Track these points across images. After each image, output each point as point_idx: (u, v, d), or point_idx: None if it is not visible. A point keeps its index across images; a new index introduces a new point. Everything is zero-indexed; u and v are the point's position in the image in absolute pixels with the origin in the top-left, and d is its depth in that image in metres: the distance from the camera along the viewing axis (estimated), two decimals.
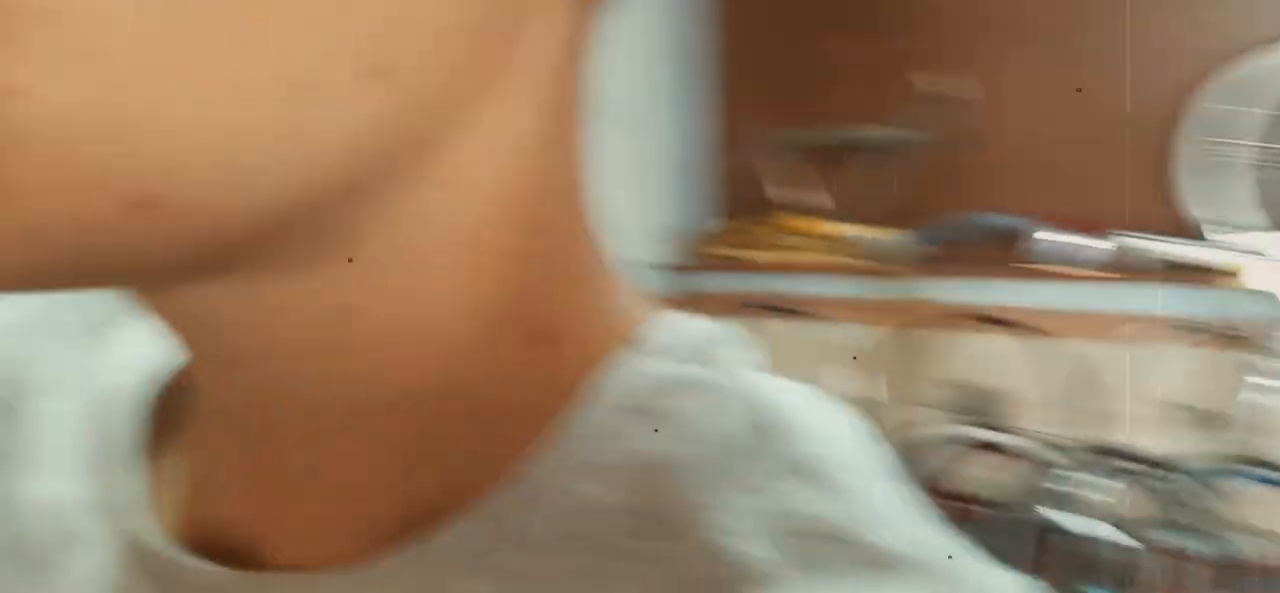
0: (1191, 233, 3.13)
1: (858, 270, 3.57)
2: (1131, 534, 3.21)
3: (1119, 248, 3.10)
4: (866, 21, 3.61)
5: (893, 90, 3.53)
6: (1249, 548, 3.14)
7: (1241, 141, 3.03)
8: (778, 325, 3.83)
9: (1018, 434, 3.43)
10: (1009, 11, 3.40)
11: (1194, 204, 3.13)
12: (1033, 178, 3.44)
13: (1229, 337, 3.14)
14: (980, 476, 3.51)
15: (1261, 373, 3.01)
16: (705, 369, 0.37)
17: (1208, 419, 3.23)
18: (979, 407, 3.55)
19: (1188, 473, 3.13)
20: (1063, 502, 2.00)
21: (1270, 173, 3.03)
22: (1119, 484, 3.28)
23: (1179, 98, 3.15)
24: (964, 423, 3.54)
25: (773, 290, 3.80)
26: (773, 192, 3.79)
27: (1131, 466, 3.17)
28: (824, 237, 3.60)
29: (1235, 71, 3.05)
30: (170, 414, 0.43)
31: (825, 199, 3.71)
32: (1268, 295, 2.95)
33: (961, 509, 3.49)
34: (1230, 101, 3.06)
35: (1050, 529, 3.21)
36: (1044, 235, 3.27)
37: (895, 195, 3.58)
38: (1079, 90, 3.32)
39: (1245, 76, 3.03)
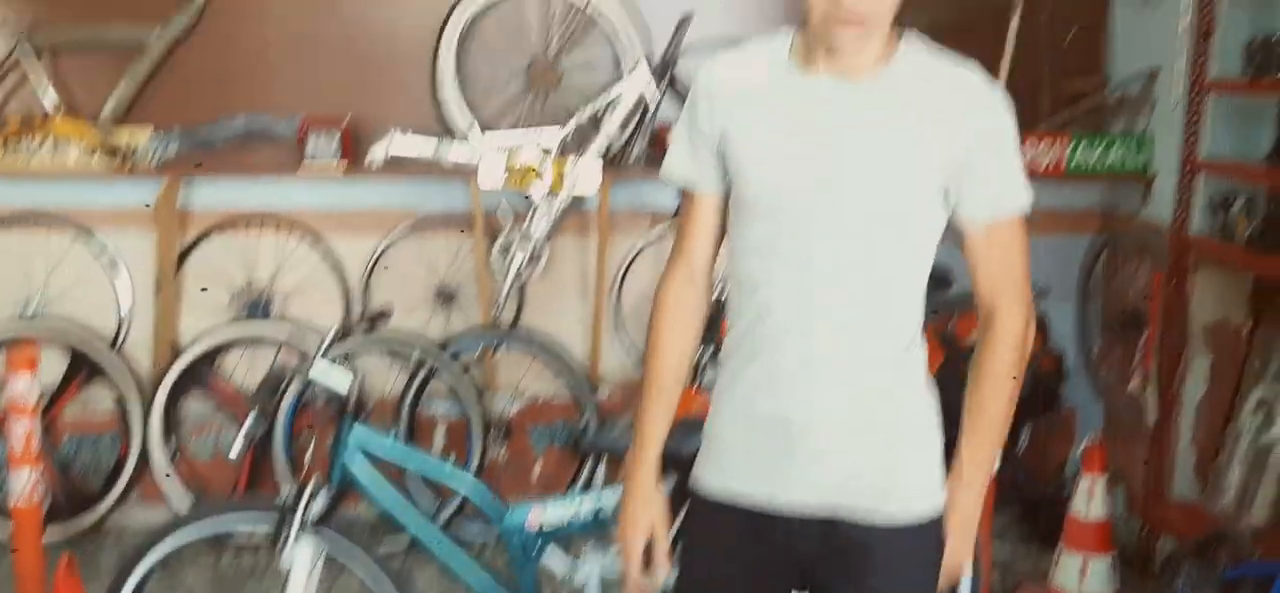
0: (452, 135, 3.64)
1: (128, 174, 3.53)
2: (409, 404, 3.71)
3: (390, 148, 3.50)
4: None
5: None
6: (505, 405, 3.83)
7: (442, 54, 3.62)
8: (51, 239, 3.66)
9: (290, 325, 3.71)
10: None
11: (453, 111, 3.64)
12: (299, 80, 3.70)
13: (468, 224, 3.76)
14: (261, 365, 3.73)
15: (502, 253, 3.65)
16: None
17: (460, 297, 3.84)
18: (256, 304, 3.76)
19: (443, 346, 3.68)
20: (330, 377, 2.34)
21: (471, 89, 3.67)
22: (384, 361, 3.75)
23: (443, 13, 3.62)
24: (243, 319, 3.73)
25: (40, 202, 3.64)
26: (42, 95, 3.55)
27: (395, 341, 3.64)
28: (94, 141, 3.49)
29: None
30: None
31: (91, 100, 3.60)
32: (497, 190, 3.58)
33: (232, 397, 3.70)
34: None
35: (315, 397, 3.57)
36: (312, 137, 3.57)
37: (161, 96, 3.60)
38: None
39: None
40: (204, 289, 3.73)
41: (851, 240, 1.53)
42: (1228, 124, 3.39)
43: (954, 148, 1.53)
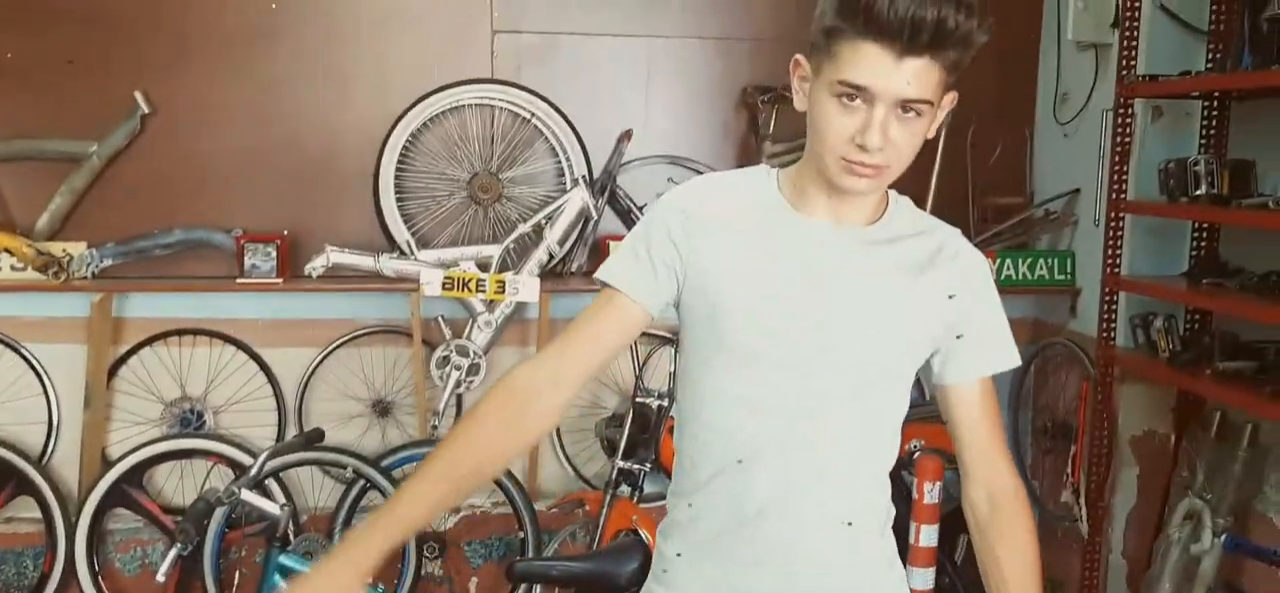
0: (393, 248, 3.65)
1: (62, 287, 3.49)
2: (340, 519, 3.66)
3: (328, 261, 3.50)
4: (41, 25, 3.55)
5: (79, 100, 3.55)
6: (440, 519, 3.75)
7: (382, 169, 3.65)
8: None
9: (227, 441, 3.67)
10: (216, 33, 3.63)
11: (393, 225, 3.66)
12: (238, 194, 3.70)
13: (406, 336, 3.76)
14: (194, 478, 3.68)
15: (440, 365, 3.65)
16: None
17: (397, 409, 3.82)
18: (190, 415, 3.71)
19: (378, 459, 3.65)
20: (263, 492, 2.33)
21: (411, 202, 3.70)
22: (318, 474, 3.71)
23: (386, 126, 3.66)
24: (174, 432, 3.68)
25: None
26: None
27: (328, 456, 3.61)
28: (28, 255, 3.45)
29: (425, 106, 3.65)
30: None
31: (27, 212, 3.57)
32: (436, 300, 3.60)
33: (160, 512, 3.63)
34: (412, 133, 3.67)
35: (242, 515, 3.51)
36: (249, 250, 3.56)
37: (98, 208, 3.58)
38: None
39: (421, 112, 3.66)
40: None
41: (850, 394, 1.46)
42: (1146, 243, 3.51)
43: (949, 306, 1.49)
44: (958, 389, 1.54)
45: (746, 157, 3.86)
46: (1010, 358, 1.56)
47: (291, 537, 2.43)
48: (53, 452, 3.67)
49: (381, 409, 3.83)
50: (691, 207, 1.49)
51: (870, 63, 1.31)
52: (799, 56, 1.43)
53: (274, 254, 3.57)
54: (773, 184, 1.51)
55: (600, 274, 1.52)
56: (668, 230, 1.48)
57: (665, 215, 1.50)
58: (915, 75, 1.32)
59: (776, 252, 1.46)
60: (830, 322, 1.44)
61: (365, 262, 3.55)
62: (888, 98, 1.33)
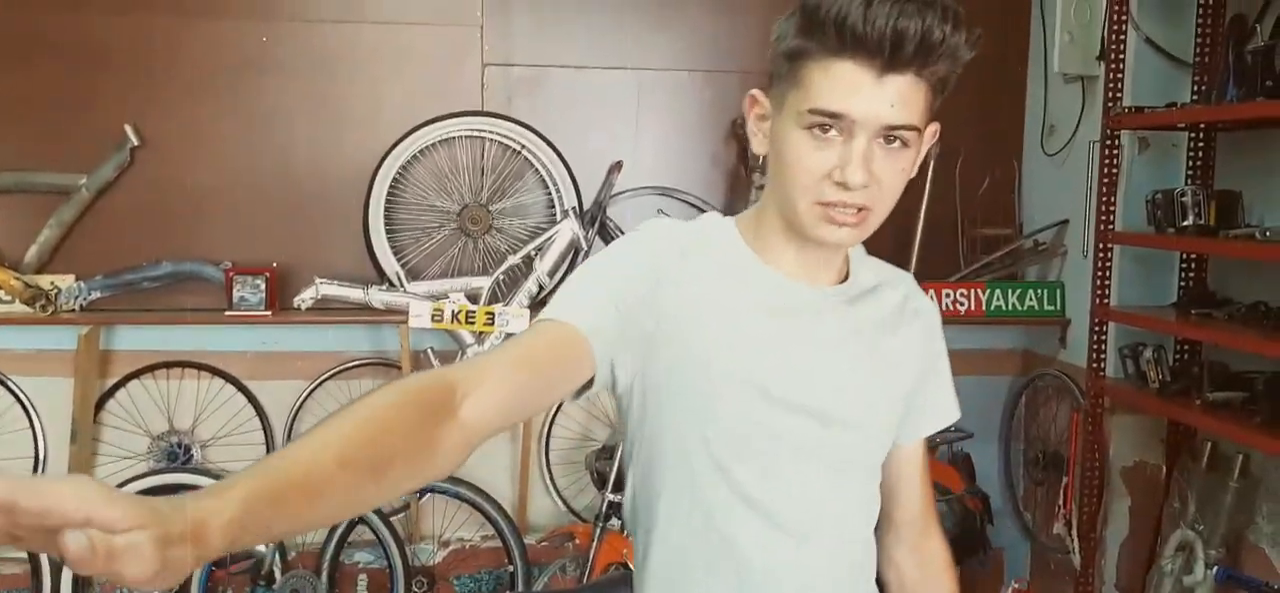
0: (382, 279, 3.65)
1: (49, 320, 3.48)
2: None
3: (317, 293, 3.49)
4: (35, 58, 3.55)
5: (64, 131, 3.55)
6: (429, 554, 3.76)
7: (372, 203, 3.66)
8: None
9: (215, 476, 3.65)
10: (207, 66, 3.63)
11: (382, 257, 3.66)
12: (227, 226, 3.69)
13: (395, 368, 3.74)
14: None
15: None
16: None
17: None
18: (177, 449, 3.69)
19: None
20: None
21: (401, 234, 3.70)
22: None
23: (377, 158, 3.65)
24: (166, 466, 3.65)
25: None
26: None
27: None
28: (15, 287, 3.44)
29: (405, 143, 3.65)
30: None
31: (15, 245, 3.56)
32: (425, 332, 3.59)
33: None
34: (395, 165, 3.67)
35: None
36: (238, 283, 3.55)
37: (86, 241, 3.58)
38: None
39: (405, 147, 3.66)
40: None
41: (837, 463, 1.32)
42: (1135, 273, 3.51)
43: (917, 366, 1.39)
44: (903, 449, 1.44)
45: (736, 188, 3.87)
46: (954, 412, 1.47)
47: (277, 575, 2.41)
48: None
49: None
50: (666, 251, 1.27)
51: (846, 84, 1.13)
52: (755, 92, 1.27)
53: (263, 287, 3.57)
54: (733, 233, 1.32)
55: (559, 313, 1.20)
56: (647, 275, 1.25)
57: (634, 256, 1.28)
58: (899, 96, 1.14)
59: (750, 297, 1.28)
60: (808, 371, 1.28)
61: (354, 294, 3.54)
62: (869, 125, 1.15)
